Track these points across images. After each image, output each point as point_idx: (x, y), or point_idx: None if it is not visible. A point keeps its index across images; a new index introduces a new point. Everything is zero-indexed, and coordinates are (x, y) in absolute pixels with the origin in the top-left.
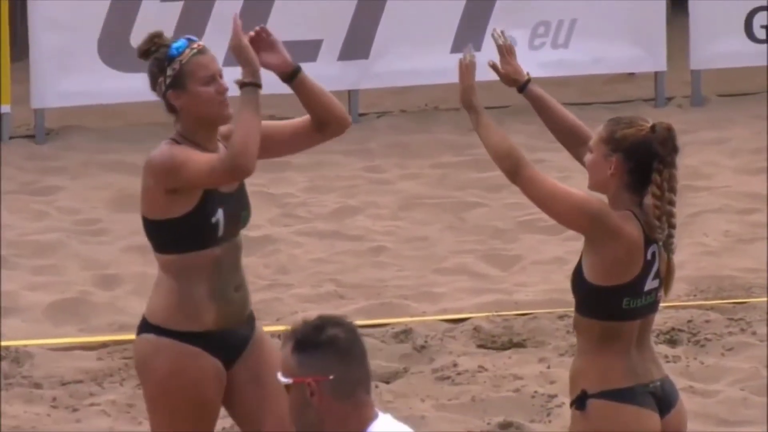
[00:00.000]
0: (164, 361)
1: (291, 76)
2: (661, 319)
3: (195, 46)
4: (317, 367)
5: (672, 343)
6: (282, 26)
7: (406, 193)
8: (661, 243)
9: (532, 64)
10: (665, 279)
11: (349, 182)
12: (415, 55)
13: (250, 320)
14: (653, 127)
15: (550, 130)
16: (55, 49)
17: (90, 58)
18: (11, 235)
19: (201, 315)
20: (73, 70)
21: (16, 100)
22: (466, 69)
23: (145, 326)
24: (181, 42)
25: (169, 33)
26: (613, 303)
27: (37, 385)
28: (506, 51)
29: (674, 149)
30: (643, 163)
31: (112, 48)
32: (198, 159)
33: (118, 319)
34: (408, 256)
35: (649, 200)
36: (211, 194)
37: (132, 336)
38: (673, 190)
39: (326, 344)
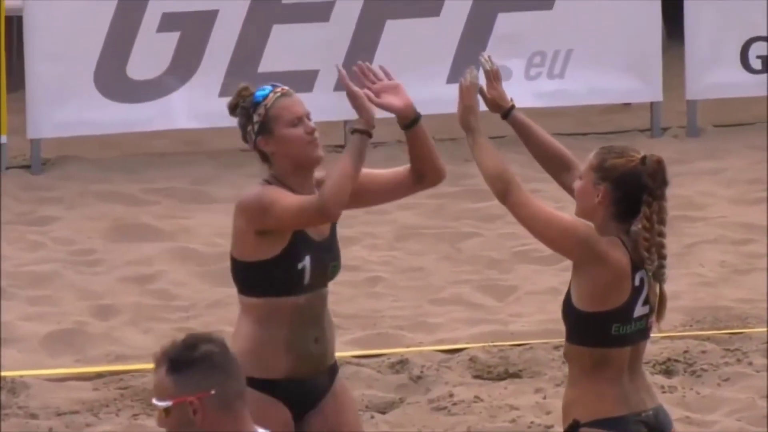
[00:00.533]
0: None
1: (411, 123)
2: (657, 350)
3: (279, 90)
4: (197, 384)
5: (668, 373)
6: (278, 57)
7: (402, 224)
8: (651, 273)
9: (527, 94)
10: (658, 308)
11: (345, 213)
12: (411, 85)
13: (332, 372)
14: (643, 159)
15: (534, 157)
16: (51, 79)
17: (86, 88)
18: (7, 266)
19: (276, 363)
20: (70, 100)
21: (13, 130)
22: (467, 90)
23: None
24: (265, 89)
25: (165, 64)
26: (602, 329)
27: (33, 416)
28: (493, 76)
29: (664, 182)
30: (631, 194)
31: (109, 78)
32: (287, 198)
33: (114, 349)
34: (404, 286)
35: (636, 227)
36: (300, 239)
37: (128, 366)
38: (662, 221)
39: (202, 360)
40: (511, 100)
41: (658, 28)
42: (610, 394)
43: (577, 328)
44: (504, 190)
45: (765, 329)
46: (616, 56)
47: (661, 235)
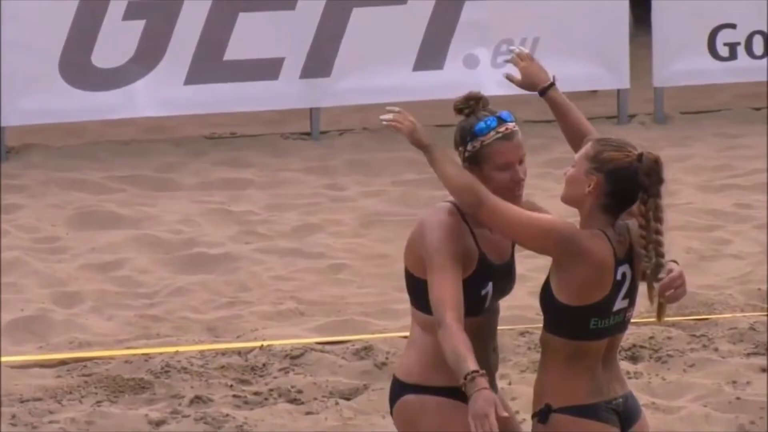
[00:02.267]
0: (433, 418)
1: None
2: (623, 336)
3: (503, 129)
4: None
5: (634, 359)
6: (243, 45)
7: (367, 211)
8: (649, 272)
9: (494, 81)
10: (658, 309)
11: (310, 200)
12: (378, 73)
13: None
14: (640, 156)
15: (567, 139)
16: (16, 67)
17: (51, 76)
18: None
19: (449, 371)
20: (34, 88)
21: None
22: (401, 115)
23: (401, 387)
24: (490, 121)
25: (130, 52)
26: (581, 323)
27: None
28: (525, 56)
29: (660, 180)
30: (624, 189)
31: (74, 66)
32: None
33: (78, 336)
34: (369, 273)
35: (623, 221)
36: (485, 267)
37: (91, 353)
38: (659, 219)
39: None
40: (553, 78)
41: (625, 15)
42: (584, 382)
43: (556, 319)
44: (476, 201)
45: (731, 315)
46: (583, 44)
47: (658, 233)
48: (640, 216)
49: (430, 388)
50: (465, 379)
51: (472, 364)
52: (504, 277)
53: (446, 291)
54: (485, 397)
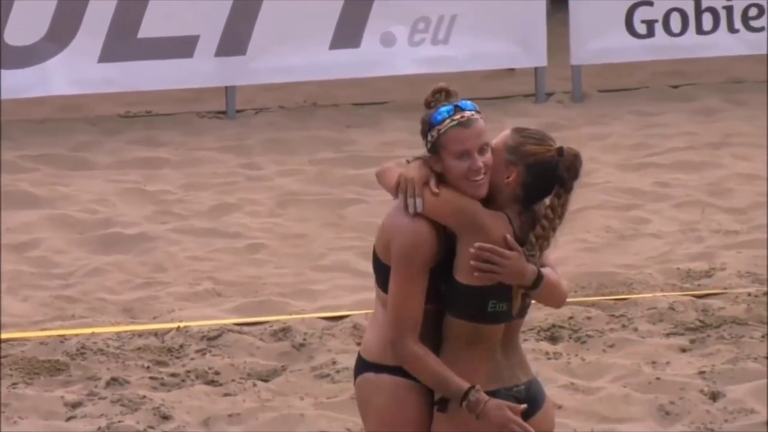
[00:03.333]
0: (386, 397)
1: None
2: (541, 316)
3: (458, 116)
4: None
5: (553, 339)
6: (158, 22)
7: (283, 190)
8: (530, 259)
9: (411, 60)
10: (519, 309)
11: (226, 179)
12: (294, 51)
13: None
14: (560, 151)
15: None
16: None
17: None
18: None
19: None
20: None
21: None
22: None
23: (363, 365)
24: (446, 109)
25: (43, 29)
26: (480, 305)
27: None
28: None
29: (576, 176)
30: (542, 182)
31: None
32: None
33: None
34: (286, 253)
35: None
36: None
37: (5, 335)
38: (562, 216)
39: None
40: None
41: None
42: (482, 369)
43: (455, 300)
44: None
45: (650, 295)
46: (500, 21)
47: (554, 230)
48: (549, 209)
49: (388, 367)
50: (464, 400)
51: (462, 383)
52: None
53: (409, 308)
54: (493, 406)
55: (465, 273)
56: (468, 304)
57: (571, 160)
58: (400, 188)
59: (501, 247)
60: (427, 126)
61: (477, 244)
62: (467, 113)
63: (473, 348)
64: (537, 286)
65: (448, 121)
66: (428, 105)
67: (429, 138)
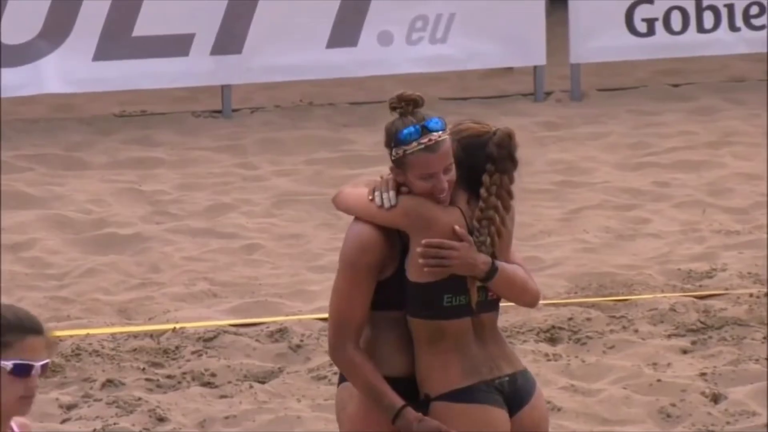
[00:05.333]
0: (357, 406)
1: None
2: (541, 317)
3: (425, 140)
4: None
5: (552, 341)
6: (153, 20)
7: (279, 190)
8: (483, 248)
9: (408, 59)
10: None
11: (221, 179)
12: (290, 50)
13: None
14: (496, 130)
15: None
16: None
17: None
18: None
19: (390, 362)
20: None
21: None
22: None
23: (342, 375)
24: (414, 130)
25: (37, 28)
26: (434, 301)
27: None
28: None
29: (510, 157)
30: (473, 159)
31: None
32: None
33: None
34: (282, 253)
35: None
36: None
37: None
38: (500, 197)
39: None
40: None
41: None
42: (454, 364)
43: (411, 300)
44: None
45: (651, 296)
46: (499, 20)
47: (496, 209)
48: (483, 187)
49: None
50: (395, 418)
51: (395, 399)
52: None
53: (350, 313)
54: (426, 428)
55: (415, 271)
56: (422, 301)
57: (502, 137)
58: (375, 186)
59: (451, 239)
60: (392, 141)
61: (424, 241)
62: (434, 136)
63: (439, 345)
64: (491, 278)
65: (415, 144)
66: (393, 109)
67: (393, 153)
